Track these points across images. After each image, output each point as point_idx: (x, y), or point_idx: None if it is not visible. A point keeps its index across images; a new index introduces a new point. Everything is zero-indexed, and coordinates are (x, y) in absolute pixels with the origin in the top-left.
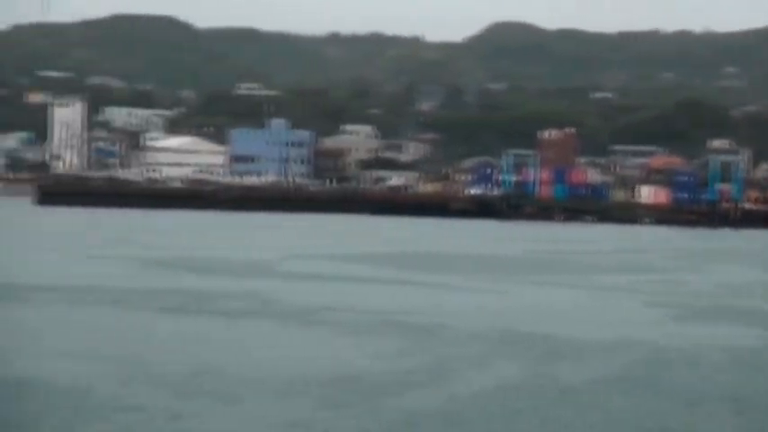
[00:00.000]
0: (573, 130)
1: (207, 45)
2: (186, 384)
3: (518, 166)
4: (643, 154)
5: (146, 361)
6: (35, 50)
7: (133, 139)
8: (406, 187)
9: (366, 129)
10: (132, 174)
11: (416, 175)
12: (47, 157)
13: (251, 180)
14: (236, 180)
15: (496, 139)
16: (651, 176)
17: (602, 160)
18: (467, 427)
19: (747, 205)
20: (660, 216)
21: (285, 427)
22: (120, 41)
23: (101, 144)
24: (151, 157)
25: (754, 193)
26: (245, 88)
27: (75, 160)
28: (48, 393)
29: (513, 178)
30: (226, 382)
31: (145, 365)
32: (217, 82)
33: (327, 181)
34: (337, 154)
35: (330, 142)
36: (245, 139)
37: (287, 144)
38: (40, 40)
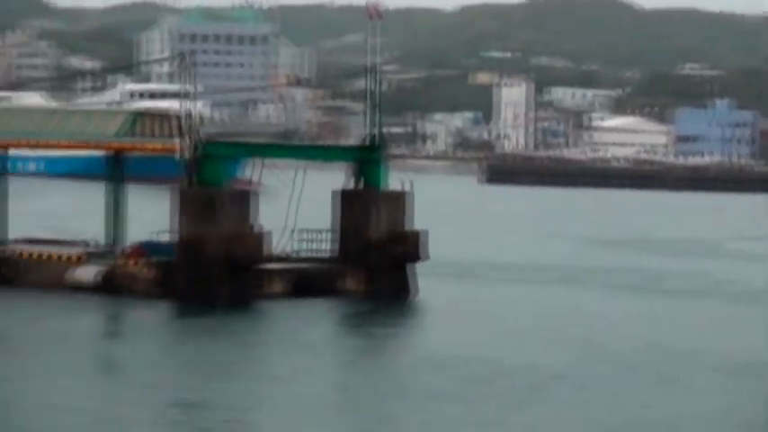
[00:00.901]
0: None
1: (650, 26)
2: (630, 362)
3: None
4: None
5: (593, 339)
6: (481, 32)
7: (577, 119)
8: None
9: None
10: (577, 153)
11: None
12: (492, 136)
13: (695, 160)
14: (680, 160)
15: None
16: None
17: None
18: None
19: None
20: None
21: (720, 413)
22: (564, 22)
23: (546, 124)
24: (596, 136)
25: None
26: (688, 68)
27: (522, 140)
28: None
29: None
30: (672, 363)
31: (592, 343)
32: (660, 62)
33: None
34: None
35: None
36: (689, 119)
37: (731, 124)
38: (487, 21)
